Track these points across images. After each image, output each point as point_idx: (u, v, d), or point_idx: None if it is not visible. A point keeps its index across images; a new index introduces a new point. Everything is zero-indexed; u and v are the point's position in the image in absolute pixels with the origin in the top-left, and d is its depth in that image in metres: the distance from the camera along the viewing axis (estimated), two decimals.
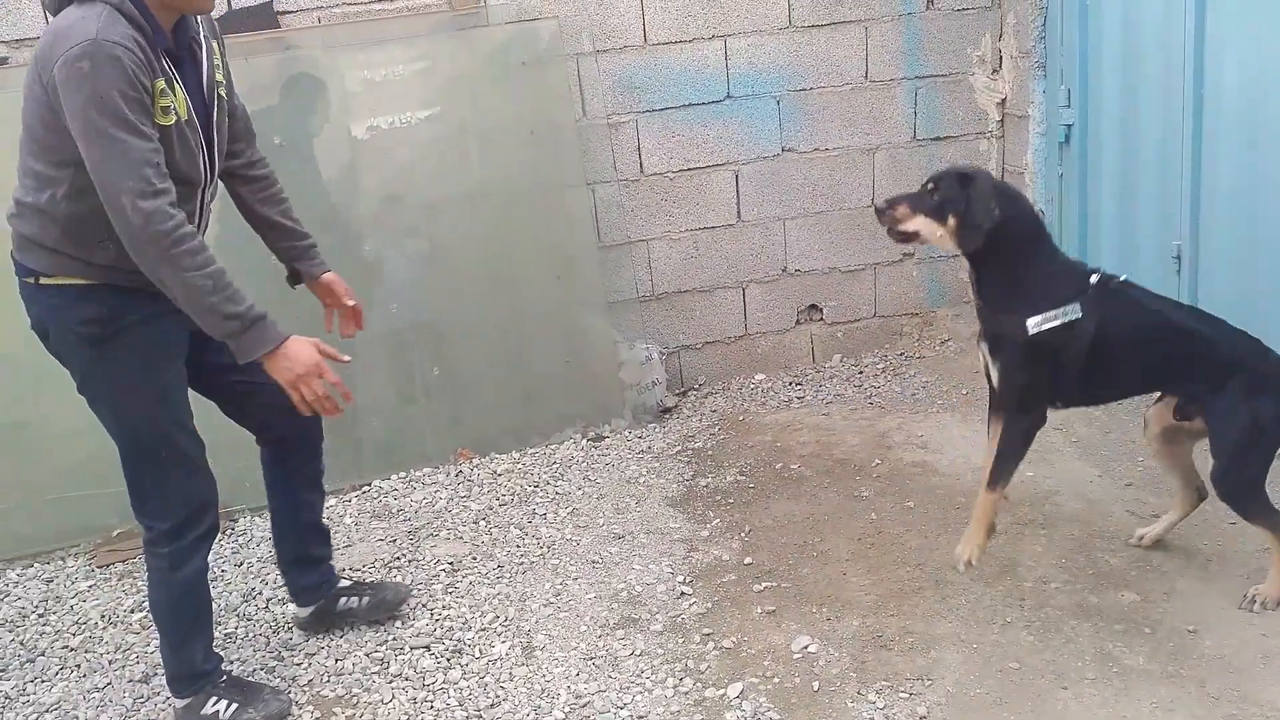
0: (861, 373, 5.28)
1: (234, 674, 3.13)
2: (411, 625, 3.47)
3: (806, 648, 3.13)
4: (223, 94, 2.63)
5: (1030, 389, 2.86)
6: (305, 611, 3.41)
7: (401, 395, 4.66)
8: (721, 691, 2.98)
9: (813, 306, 5.40)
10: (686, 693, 2.99)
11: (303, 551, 3.33)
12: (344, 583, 3.45)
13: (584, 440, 4.77)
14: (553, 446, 4.74)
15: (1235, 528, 3.43)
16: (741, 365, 5.36)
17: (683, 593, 3.49)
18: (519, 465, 4.59)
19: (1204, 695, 2.77)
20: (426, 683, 3.17)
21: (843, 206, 5.28)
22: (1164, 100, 4.39)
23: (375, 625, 3.44)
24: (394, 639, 3.38)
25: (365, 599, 3.39)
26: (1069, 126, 5.09)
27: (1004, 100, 5.36)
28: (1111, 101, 4.78)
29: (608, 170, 4.90)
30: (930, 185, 2.83)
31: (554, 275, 4.73)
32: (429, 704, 3.08)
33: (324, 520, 3.39)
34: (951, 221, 2.76)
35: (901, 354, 5.43)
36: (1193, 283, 4.42)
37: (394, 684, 3.18)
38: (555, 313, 4.75)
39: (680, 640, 3.24)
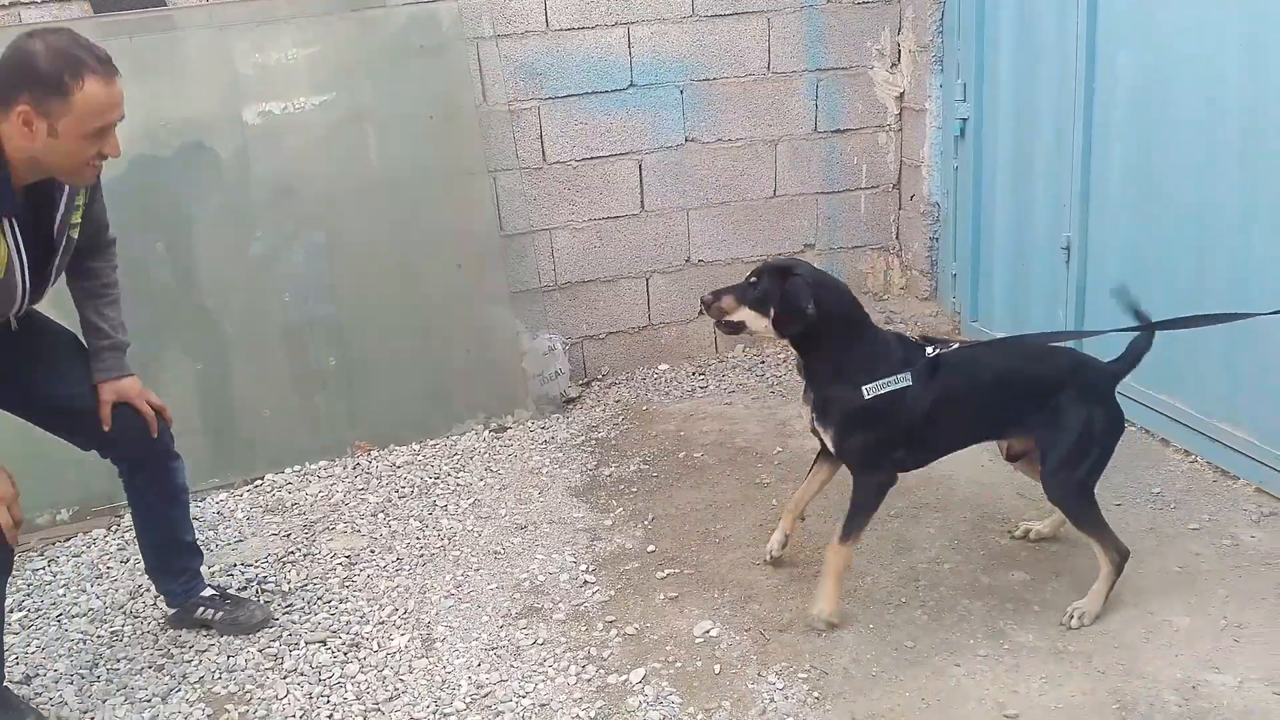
0: (763, 363, 5.39)
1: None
2: (308, 619, 3.45)
3: (708, 632, 3.21)
4: (74, 235, 2.71)
5: (871, 449, 2.98)
6: (170, 610, 3.39)
7: (296, 388, 4.61)
8: (624, 677, 3.03)
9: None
10: (589, 679, 3.04)
11: (161, 562, 3.33)
12: (207, 591, 3.39)
13: (486, 431, 4.78)
14: (454, 438, 4.74)
15: (1119, 509, 3.62)
16: (645, 355, 5.43)
17: (586, 581, 3.54)
18: (419, 457, 4.58)
19: (1091, 670, 2.92)
20: (323, 677, 3.16)
21: (745, 198, 5.39)
22: (1057, 95, 4.59)
23: (270, 620, 3.41)
24: (289, 634, 3.36)
25: (221, 614, 3.28)
26: (964, 120, 5.28)
27: (902, 94, 5.53)
28: (1007, 96, 4.97)
29: (509, 158, 4.91)
30: (753, 278, 2.96)
31: (455, 265, 4.72)
32: (325, 699, 3.07)
33: (189, 536, 3.35)
34: (772, 313, 2.90)
35: None
36: (1081, 274, 4.62)
37: (289, 679, 3.16)
38: (457, 303, 4.75)
39: (583, 628, 3.28)
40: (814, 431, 3.15)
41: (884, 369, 2.90)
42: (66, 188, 2.60)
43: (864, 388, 2.87)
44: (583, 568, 3.62)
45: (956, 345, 3.07)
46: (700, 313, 3.16)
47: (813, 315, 2.85)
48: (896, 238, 5.79)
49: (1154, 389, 4.22)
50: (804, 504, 3.43)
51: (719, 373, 5.32)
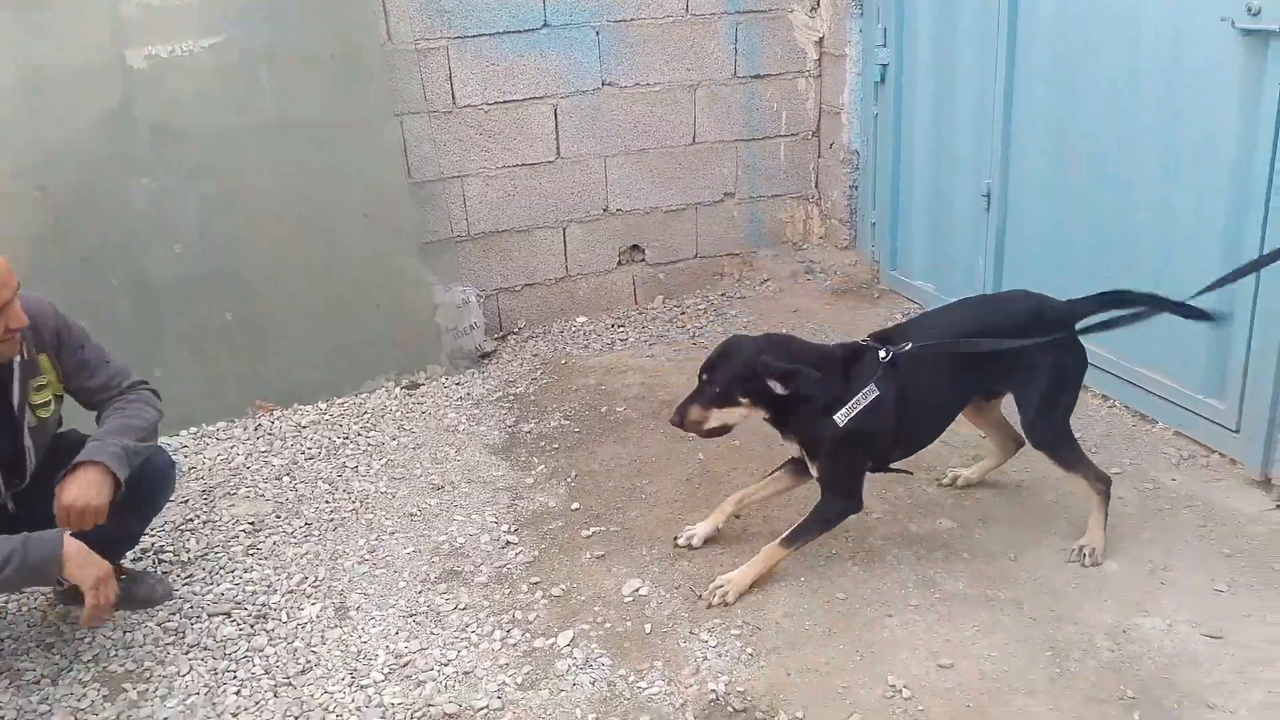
0: (684, 313, 5.30)
1: None
2: (210, 590, 3.26)
3: (637, 591, 3.11)
4: (44, 413, 2.79)
5: (852, 476, 3.00)
6: (61, 585, 3.16)
7: (191, 345, 4.36)
8: (551, 640, 2.92)
9: (634, 247, 5.36)
10: (515, 644, 2.92)
11: None
12: None
13: (398, 388, 4.60)
14: (364, 396, 4.54)
15: (1041, 456, 3.61)
16: (563, 307, 5.28)
17: (508, 542, 3.41)
18: (326, 417, 4.39)
19: (1022, 616, 2.91)
20: (228, 651, 2.99)
21: (664, 144, 5.25)
22: (978, 40, 4.53)
23: (170, 594, 3.21)
24: (190, 607, 3.17)
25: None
26: (885, 66, 5.21)
27: (822, 39, 5.43)
28: (927, 41, 4.90)
29: (417, 101, 4.69)
30: (704, 376, 2.93)
31: (361, 214, 4.50)
32: (231, 674, 2.91)
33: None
34: (745, 402, 2.89)
35: (723, 294, 5.47)
36: (1001, 221, 4.60)
37: (191, 655, 2.98)
38: (364, 254, 4.53)
39: (507, 591, 3.16)
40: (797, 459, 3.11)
41: (854, 384, 2.89)
42: (15, 367, 2.67)
43: (835, 417, 2.86)
44: (504, 528, 3.49)
45: (907, 346, 2.98)
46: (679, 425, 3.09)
47: (783, 392, 2.84)
48: (816, 186, 5.72)
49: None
50: (748, 505, 3.32)
51: (639, 324, 5.21)
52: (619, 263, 5.34)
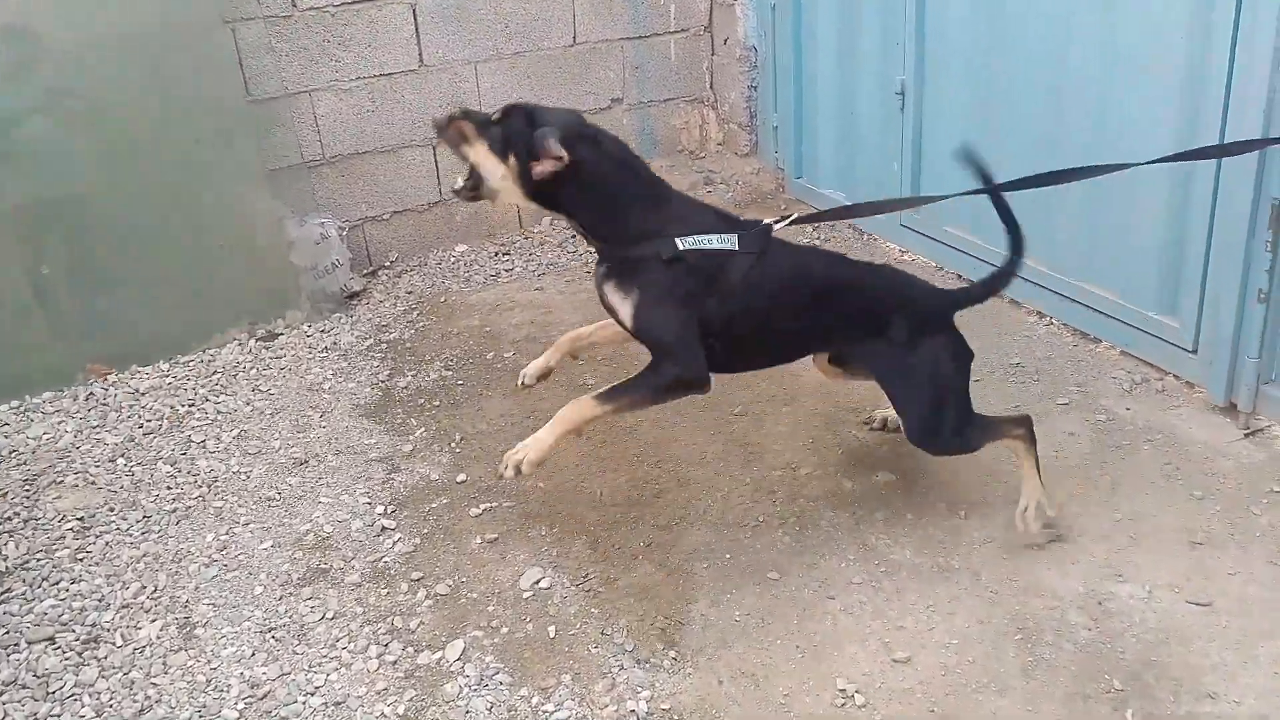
0: (575, 237, 4.75)
1: None
2: (30, 610, 2.71)
3: (538, 583, 2.66)
4: None
5: (679, 330, 2.36)
6: None
7: (9, 300, 3.67)
8: (439, 654, 2.46)
9: None
10: (395, 661, 2.45)
11: None
12: None
13: (251, 341, 3.99)
14: (211, 352, 3.93)
15: (978, 384, 3.24)
16: (438, 236, 4.70)
17: (384, 528, 2.91)
18: (168, 380, 3.77)
19: (981, 590, 2.55)
20: (51, 690, 2.46)
21: (541, 46, 4.65)
22: None
23: None
24: (6, 633, 2.62)
25: None
26: None
27: None
28: None
29: (250, 5, 3.99)
30: (498, 115, 2.38)
31: (193, 139, 3.83)
32: (55, 719, 2.37)
33: None
34: (511, 162, 2.33)
35: None
36: (918, 123, 4.17)
37: (5, 696, 2.44)
38: (201, 186, 3.87)
39: (384, 591, 2.67)
40: (606, 306, 2.47)
41: (709, 223, 2.39)
42: None
43: (679, 239, 2.32)
44: (379, 510, 2.98)
45: (791, 216, 2.55)
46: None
47: (563, 160, 2.27)
48: (711, 88, 5.20)
49: (1001, 246, 3.84)
50: (584, 345, 2.76)
51: (526, 251, 4.67)
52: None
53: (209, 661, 2.50)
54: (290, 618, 2.61)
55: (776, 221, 2.49)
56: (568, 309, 4.09)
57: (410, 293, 4.36)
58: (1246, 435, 3.05)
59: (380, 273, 4.53)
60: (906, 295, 2.60)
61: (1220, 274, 3.07)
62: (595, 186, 2.34)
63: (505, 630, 2.52)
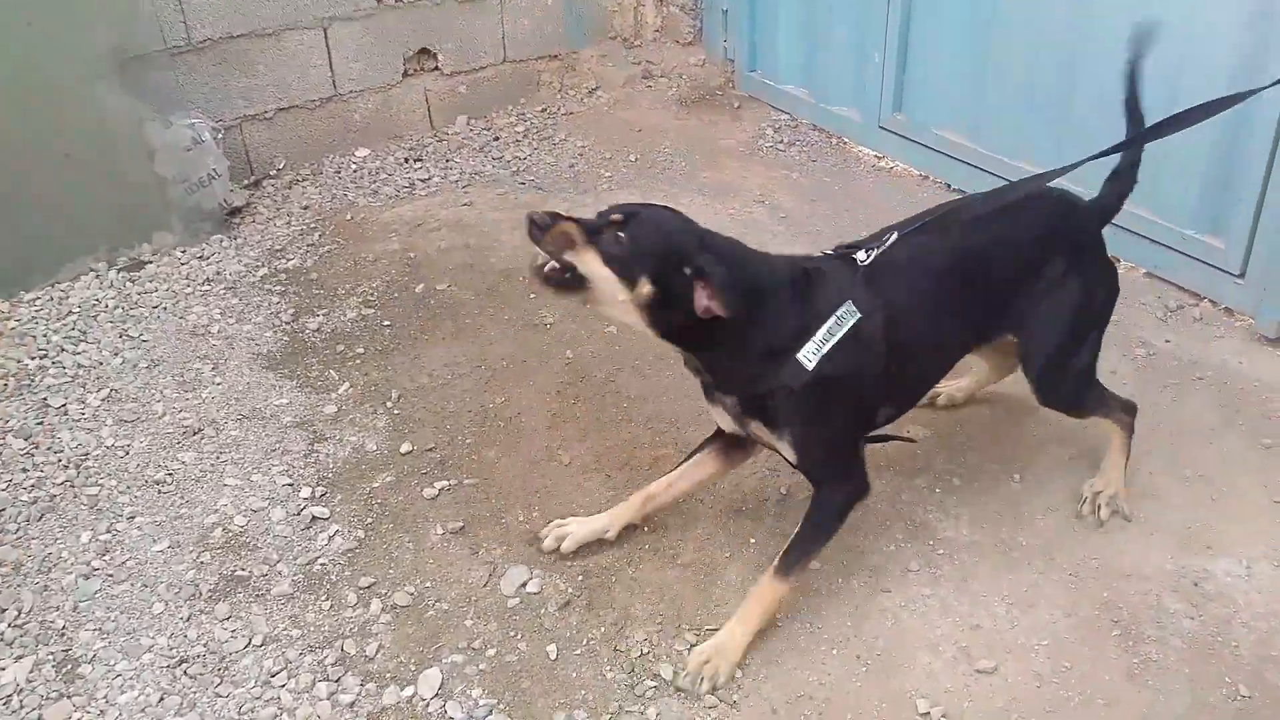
0: (498, 139, 4.21)
1: None
2: None
3: (524, 586, 2.22)
4: None
5: (846, 444, 2.08)
6: None
7: None
8: (409, 690, 2.01)
9: (424, 51, 4.20)
10: (352, 703, 1.99)
11: None
12: None
13: (112, 272, 3.36)
14: (63, 287, 3.28)
15: None
16: (335, 138, 4.09)
17: (315, 517, 2.41)
18: (10, 323, 3.13)
19: (1060, 574, 2.23)
20: None
21: None
22: None
23: None
24: None
25: None
26: None
27: None
28: None
29: None
30: (617, 218, 1.91)
31: (24, 23, 3.12)
32: None
33: None
34: (646, 289, 1.88)
35: (544, 110, 4.41)
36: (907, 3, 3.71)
37: None
38: (35, 78, 3.18)
39: (326, 605, 2.19)
40: (748, 434, 2.11)
41: (819, 304, 1.98)
42: None
43: (800, 357, 1.94)
44: (305, 494, 2.47)
45: (889, 239, 2.10)
46: (535, 243, 1.94)
47: (727, 313, 1.87)
48: None
49: (1006, 155, 3.50)
50: (660, 507, 2.32)
51: (441, 156, 4.10)
52: (406, 73, 4.16)
53: (100, 713, 1.98)
54: (205, 645, 2.11)
55: (865, 246, 2.08)
56: (506, 229, 3.56)
57: (306, 208, 3.76)
58: None
59: (265, 184, 3.91)
60: (1058, 227, 2.23)
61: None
62: (737, 329, 1.91)
63: (492, 652, 2.07)
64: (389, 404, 2.76)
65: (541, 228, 1.88)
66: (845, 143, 4.10)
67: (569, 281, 1.91)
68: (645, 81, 4.61)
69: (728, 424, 2.11)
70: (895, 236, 2.10)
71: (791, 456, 2.03)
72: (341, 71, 4.03)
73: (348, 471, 2.54)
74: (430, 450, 2.60)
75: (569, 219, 1.91)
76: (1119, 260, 3.19)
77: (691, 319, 1.88)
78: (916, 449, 2.54)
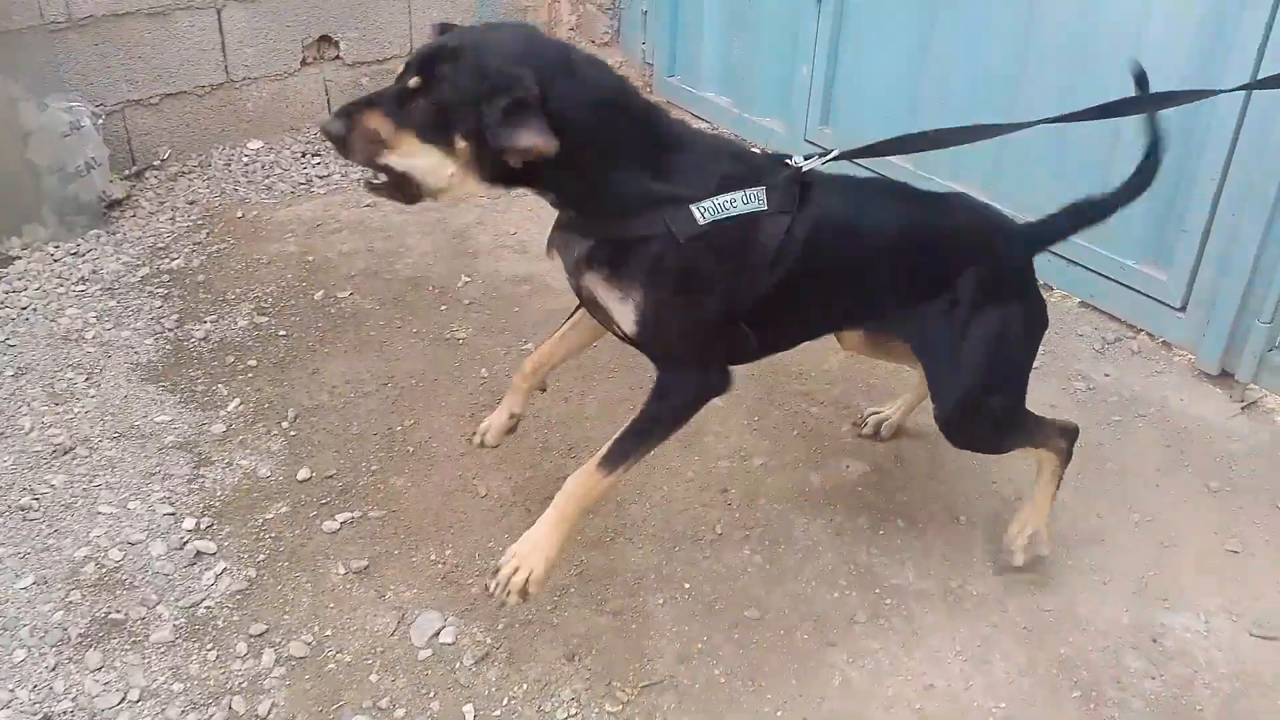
0: None
1: None
2: None
3: (437, 635, 2.03)
4: None
5: (702, 325, 1.83)
6: None
7: None
8: None
9: (325, 39, 3.98)
10: None
11: None
12: None
13: None
14: None
15: None
16: (224, 129, 3.83)
17: (200, 552, 2.18)
18: None
19: (1013, 626, 2.14)
20: None
21: None
22: None
23: None
24: None
25: None
26: None
27: None
28: None
29: None
30: (416, 80, 1.63)
31: None
32: None
33: None
34: (462, 147, 1.63)
35: None
36: (839, 8, 3.62)
37: None
38: None
39: (212, 654, 1.96)
40: (584, 297, 1.90)
41: (726, 176, 1.76)
42: None
43: (696, 207, 1.71)
44: (188, 525, 2.24)
45: (831, 153, 1.92)
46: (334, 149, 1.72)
47: (553, 149, 1.61)
48: None
49: (942, 176, 3.42)
50: (549, 368, 2.18)
51: None
52: (304, 61, 3.92)
53: None
54: (73, 700, 1.87)
55: (808, 158, 1.87)
56: (415, 233, 3.35)
57: (193, 203, 3.49)
58: (1244, 408, 2.75)
59: (148, 175, 3.62)
60: (984, 240, 2.03)
61: (1232, 224, 2.73)
62: (585, 150, 1.67)
63: (401, 713, 1.88)
64: (284, 424, 2.53)
65: (342, 138, 1.63)
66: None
67: (402, 195, 1.70)
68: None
69: (570, 270, 1.87)
70: (837, 152, 1.90)
71: (630, 327, 1.78)
72: (235, 57, 3.77)
73: (237, 500, 2.31)
74: (331, 477, 2.38)
75: (365, 107, 1.64)
76: (1051, 287, 3.16)
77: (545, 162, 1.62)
78: (856, 487, 2.42)
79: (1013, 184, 3.19)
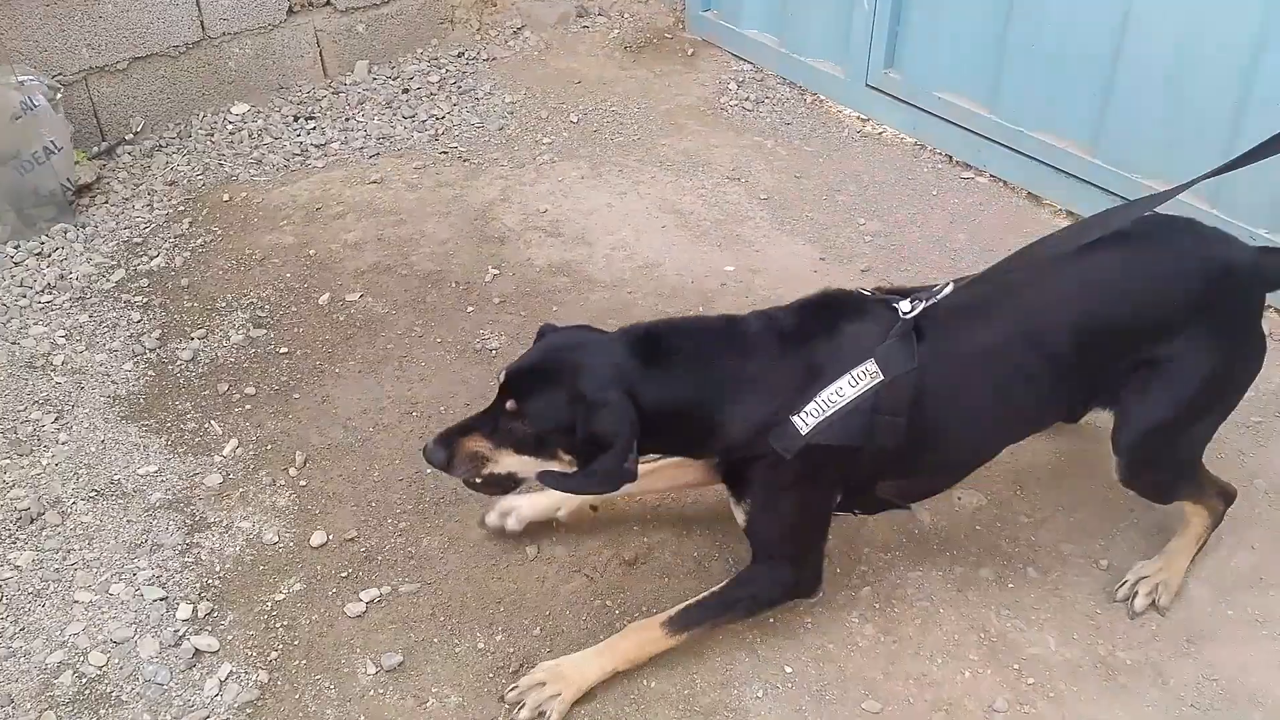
0: (407, 91, 3.56)
1: None
2: None
3: None
4: None
5: (809, 528, 1.80)
6: None
7: None
8: None
9: None
10: None
11: None
12: None
13: None
14: None
15: None
16: (204, 92, 3.42)
17: (199, 650, 1.83)
18: None
19: (1177, 702, 1.80)
20: None
21: None
22: None
23: None
24: None
25: None
26: None
27: None
28: None
29: None
30: (509, 400, 1.70)
31: None
32: None
33: None
34: (564, 456, 1.70)
35: (461, 54, 3.77)
36: None
37: None
38: None
39: None
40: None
41: (810, 375, 1.68)
42: None
43: (797, 419, 1.66)
44: (184, 614, 1.89)
45: (948, 285, 1.73)
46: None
47: (635, 431, 1.63)
48: None
49: (1028, 126, 3.02)
50: (637, 492, 2.04)
51: (339, 114, 3.45)
52: (291, 9, 3.48)
53: None
54: None
55: (919, 295, 1.72)
56: (430, 215, 2.95)
57: (172, 184, 3.09)
58: None
59: (120, 151, 3.20)
60: (1206, 297, 1.74)
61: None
62: (680, 418, 1.70)
63: None
64: (292, 471, 2.16)
65: (446, 464, 1.71)
66: (823, 101, 3.55)
67: (508, 485, 1.76)
68: (581, 21, 3.99)
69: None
70: (951, 286, 1.72)
71: (744, 526, 1.79)
72: (211, 10, 3.34)
73: (241, 576, 1.95)
74: (352, 540, 2.02)
75: (463, 433, 1.71)
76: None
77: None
78: (974, 526, 2.05)
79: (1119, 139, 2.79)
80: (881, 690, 1.78)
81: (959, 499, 2.13)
